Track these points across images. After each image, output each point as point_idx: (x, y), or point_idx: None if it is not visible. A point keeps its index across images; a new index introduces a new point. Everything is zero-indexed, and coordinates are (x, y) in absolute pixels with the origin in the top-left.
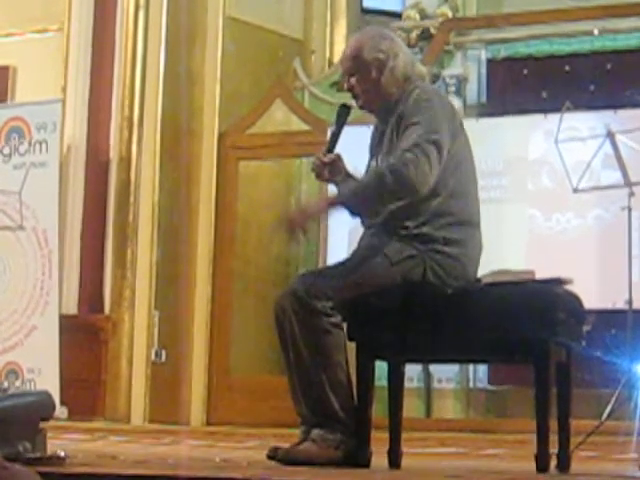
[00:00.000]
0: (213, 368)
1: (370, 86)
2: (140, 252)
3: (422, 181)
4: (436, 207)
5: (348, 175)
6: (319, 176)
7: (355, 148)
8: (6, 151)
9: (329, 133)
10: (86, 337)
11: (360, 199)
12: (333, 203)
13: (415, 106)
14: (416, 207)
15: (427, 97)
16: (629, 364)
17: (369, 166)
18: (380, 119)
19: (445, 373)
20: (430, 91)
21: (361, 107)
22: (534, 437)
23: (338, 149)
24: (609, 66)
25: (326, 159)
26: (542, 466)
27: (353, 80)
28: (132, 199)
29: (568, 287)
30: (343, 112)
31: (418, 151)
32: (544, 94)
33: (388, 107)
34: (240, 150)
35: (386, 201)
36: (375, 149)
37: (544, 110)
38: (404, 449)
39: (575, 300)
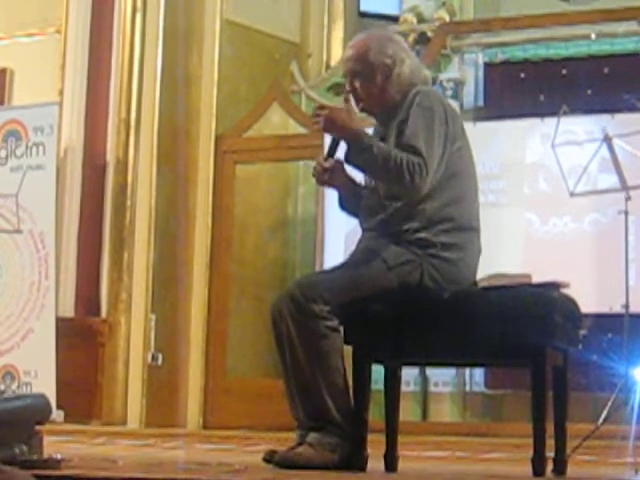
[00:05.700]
0: (210, 371)
1: (374, 90)
2: (137, 255)
3: (416, 187)
4: (434, 213)
5: (349, 179)
6: (319, 181)
7: None
8: (3, 154)
9: (329, 138)
10: (82, 340)
11: (369, 156)
12: (352, 134)
13: (416, 114)
14: (414, 211)
15: (428, 104)
16: (625, 368)
17: None
18: (380, 122)
19: (442, 377)
20: (432, 96)
21: (362, 110)
22: (530, 441)
23: (339, 152)
24: (606, 70)
25: (327, 164)
26: (538, 470)
27: (356, 82)
28: (129, 202)
29: (565, 291)
30: None
31: (416, 161)
32: (541, 98)
33: (389, 111)
34: (237, 153)
35: (389, 179)
36: None
37: (541, 114)
38: (400, 453)
39: (572, 304)
